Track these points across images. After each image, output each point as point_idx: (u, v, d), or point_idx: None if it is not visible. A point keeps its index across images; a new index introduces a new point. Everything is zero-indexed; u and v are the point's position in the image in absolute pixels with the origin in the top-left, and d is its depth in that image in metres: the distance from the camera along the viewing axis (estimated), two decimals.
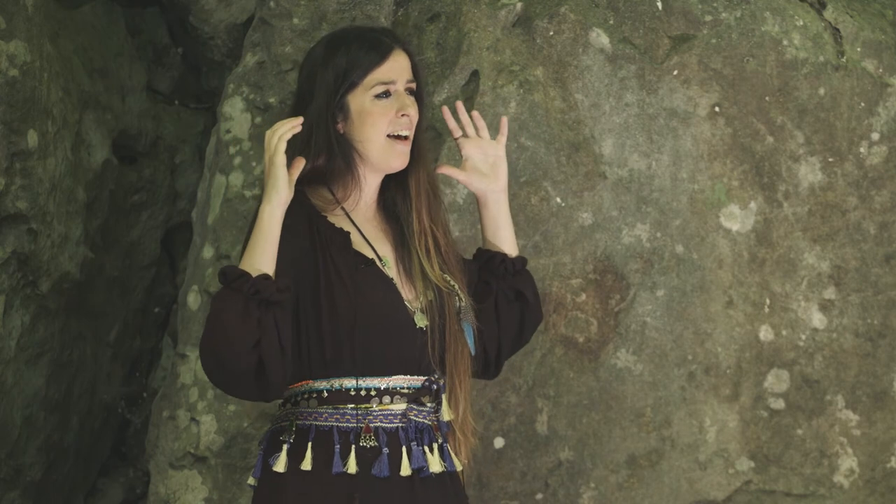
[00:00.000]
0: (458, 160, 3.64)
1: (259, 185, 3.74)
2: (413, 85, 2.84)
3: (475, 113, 2.99)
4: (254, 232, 2.65)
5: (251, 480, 2.81)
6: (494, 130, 3.00)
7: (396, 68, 2.81)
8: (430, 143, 3.67)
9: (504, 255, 2.97)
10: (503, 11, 3.74)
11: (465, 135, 2.98)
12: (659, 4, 3.77)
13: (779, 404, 3.72)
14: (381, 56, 2.80)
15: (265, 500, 2.74)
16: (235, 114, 3.84)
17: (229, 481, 3.72)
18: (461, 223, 3.63)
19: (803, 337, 3.74)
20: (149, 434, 3.87)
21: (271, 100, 3.79)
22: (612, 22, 3.76)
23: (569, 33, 3.73)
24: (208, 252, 3.79)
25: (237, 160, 3.81)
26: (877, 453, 3.74)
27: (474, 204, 3.65)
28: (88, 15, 4.43)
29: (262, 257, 2.63)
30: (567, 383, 3.67)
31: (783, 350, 3.72)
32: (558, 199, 3.69)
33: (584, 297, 3.69)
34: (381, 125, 2.79)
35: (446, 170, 2.96)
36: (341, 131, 2.81)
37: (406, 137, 2.82)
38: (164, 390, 3.87)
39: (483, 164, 2.96)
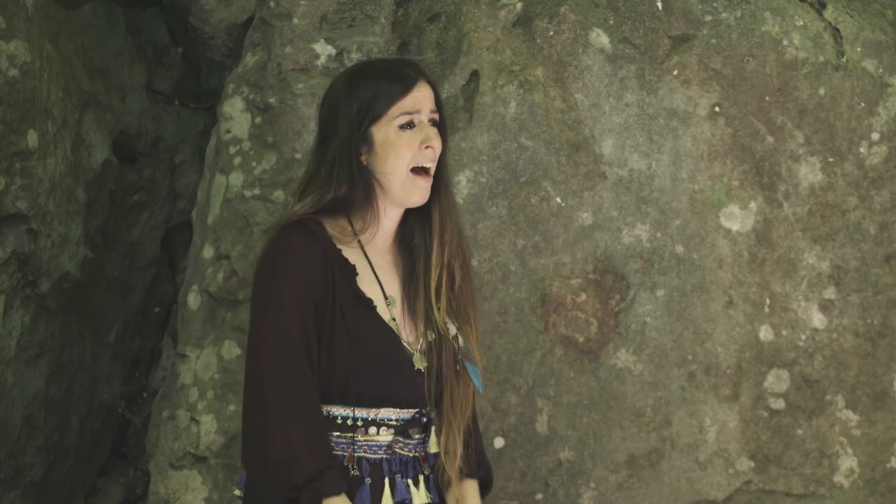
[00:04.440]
0: (457, 160, 3.65)
1: (259, 185, 3.75)
2: (436, 116, 2.83)
3: None
4: None
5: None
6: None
7: (420, 98, 2.80)
8: None
9: None
10: (503, 11, 3.74)
11: None
12: (659, 4, 3.77)
13: (779, 404, 3.72)
14: (406, 87, 2.80)
15: None
16: (235, 114, 3.84)
17: (229, 481, 3.72)
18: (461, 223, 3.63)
19: (803, 337, 3.74)
20: (149, 434, 3.87)
21: (271, 100, 3.79)
22: (612, 22, 3.76)
23: (569, 33, 3.73)
24: (208, 252, 3.79)
25: (237, 160, 3.81)
26: (877, 453, 3.74)
27: (475, 204, 3.65)
28: (88, 15, 4.43)
29: None
30: (567, 383, 3.67)
31: (783, 350, 3.72)
32: (558, 199, 3.69)
33: (584, 297, 3.69)
34: (405, 156, 2.77)
35: None
36: (364, 162, 2.80)
37: (428, 171, 2.80)
38: (164, 390, 3.87)
39: None
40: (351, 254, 2.78)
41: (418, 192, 2.79)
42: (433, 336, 2.80)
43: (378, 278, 2.78)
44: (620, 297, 3.70)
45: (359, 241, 2.80)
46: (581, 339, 3.69)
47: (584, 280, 3.69)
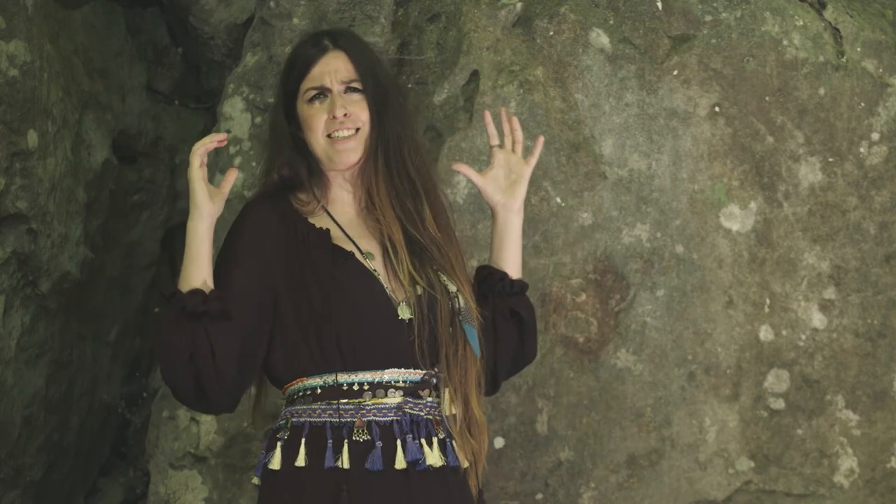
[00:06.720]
0: (458, 160, 3.65)
1: (258, 185, 3.75)
2: (356, 83, 2.85)
3: (516, 124, 2.99)
4: (185, 250, 2.71)
5: (255, 480, 2.82)
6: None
7: (328, 71, 2.84)
8: (430, 143, 3.67)
9: (504, 275, 2.97)
10: (503, 11, 3.74)
11: (501, 145, 2.99)
12: (659, 4, 3.77)
13: (779, 404, 3.72)
14: (310, 61, 2.87)
15: (265, 498, 2.76)
16: (235, 114, 3.84)
17: (229, 481, 3.72)
18: (461, 223, 3.63)
19: (803, 337, 3.74)
20: (149, 434, 3.87)
21: (271, 100, 3.79)
22: (612, 22, 3.76)
23: (569, 33, 3.73)
24: None
25: (237, 160, 3.81)
26: (877, 453, 3.74)
27: (475, 204, 3.65)
28: (88, 15, 4.43)
29: (192, 273, 2.68)
30: (567, 383, 3.67)
31: (783, 350, 3.72)
32: (558, 199, 3.69)
33: (584, 297, 3.69)
34: (317, 128, 2.84)
35: (462, 168, 2.97)
36: (303, 137, 2.86)
37: (346, 137, 2.83)
38: (164, 390, 3.87)
39: (505, 178, 2.98)
40: (318, 221, 2.83)
41: (338, 155, 2.84)
42: (422, 290, 2.81)
43: (350, 237, 2.81)
44: (620, 297, 3.70)
45: (324, 209, 2.84)
46: (581, 339, 3.69)
47: (584, 280, 3.69)
